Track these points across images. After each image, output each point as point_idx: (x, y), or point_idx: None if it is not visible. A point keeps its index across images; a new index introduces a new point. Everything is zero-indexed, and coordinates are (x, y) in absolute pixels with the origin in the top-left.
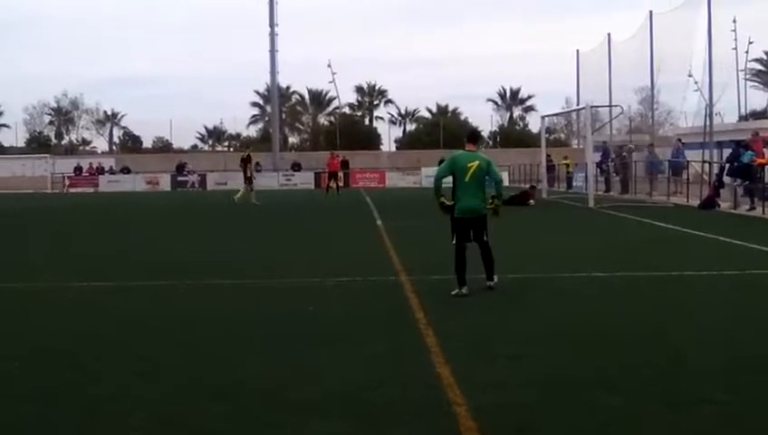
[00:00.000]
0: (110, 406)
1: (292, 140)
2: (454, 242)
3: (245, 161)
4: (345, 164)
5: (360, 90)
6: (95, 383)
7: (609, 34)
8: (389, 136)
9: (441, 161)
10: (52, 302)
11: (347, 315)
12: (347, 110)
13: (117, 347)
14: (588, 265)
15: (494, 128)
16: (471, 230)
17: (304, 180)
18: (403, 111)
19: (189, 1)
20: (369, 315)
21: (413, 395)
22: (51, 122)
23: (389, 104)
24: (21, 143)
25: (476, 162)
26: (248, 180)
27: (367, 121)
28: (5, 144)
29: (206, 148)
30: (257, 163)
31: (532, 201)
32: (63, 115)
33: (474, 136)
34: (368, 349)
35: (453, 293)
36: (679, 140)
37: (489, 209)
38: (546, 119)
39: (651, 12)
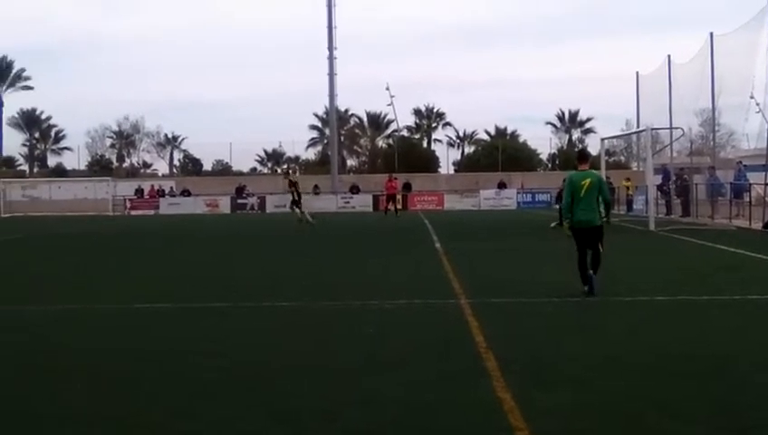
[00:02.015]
0: (168, 429)
1: (351, 162)
2: (576, 249)
3: (293, 184)
4: (408, 186)
5: (418, 112)
6: (154, 405)
7: (669, 56)
8: (448, 158)
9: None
10: (113, 323)
11: (405, 338)
12: (405, 132)
13: (176, 369)
14: (649, 288)
15: (553, 150)
16: (587, 239)
17: (363, 203)
18: (461, 134)
19: (250, 25)
20: (428, 339)
21: (473, 420)
22: (112, 145)
23: (448, 127)
24: (83, 166)
25: (589, 180)
26: (297, 202)
27: (425, 144)
28: (68, 167)
29: (266, 170)
30: (315, 186)
31: None
32: (125, 138)
33: (583, 156)
34: (426, 373)
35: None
36: (740, 162)
37: (603, 221)
38: (606, 141)
39: (712, 34)
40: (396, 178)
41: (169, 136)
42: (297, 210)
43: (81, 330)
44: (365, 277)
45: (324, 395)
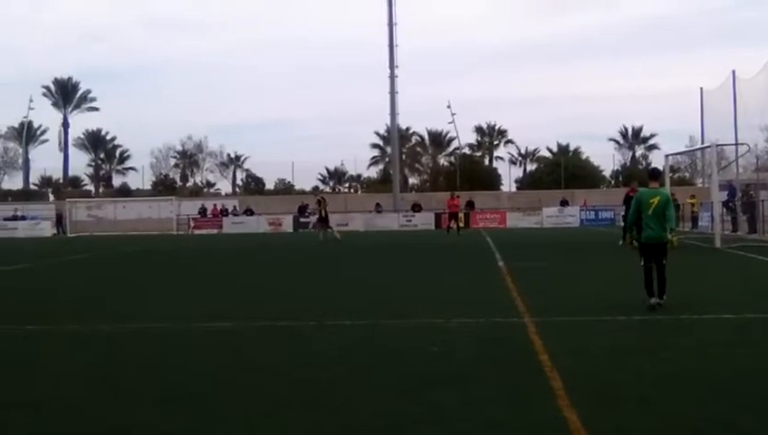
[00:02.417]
0: None
1: (413, 180)
2: (642, 263)
3: (321, 203)
4: (471, 204)
5: (479, 130)
6: (221, 422)
7: (733, 71)
8: (510, 176)
9: (626, 198)
10: (184, 343)
11: (470, 356)
12: (467, 150)
13: (246, 388)
14: (716, 306)
15: (616, 167)
16: (653, 254)
17: (424, 221)
18: (523, 151)
19: (311, 46)
20: (492, 357)
21: None
22: (176, 165)
23: (509, 144)
24: (147, 186)
25: (657, 198)
26: (324, 220)
27: (487, 162)
28: (132, 187)
29: (327, 189)
30: (377, 204)
31: None
32: (188, 158)
33: (654, 173)
34: (491, 391)
35: (646, 304)
36: None
37: (670, 240)
38: (670, 157)
39: None
40: (458, 196)
41: (232, 155)
42: (326, 230)
43: (156, 347)
44: (429, 295)
45: (388, 411)
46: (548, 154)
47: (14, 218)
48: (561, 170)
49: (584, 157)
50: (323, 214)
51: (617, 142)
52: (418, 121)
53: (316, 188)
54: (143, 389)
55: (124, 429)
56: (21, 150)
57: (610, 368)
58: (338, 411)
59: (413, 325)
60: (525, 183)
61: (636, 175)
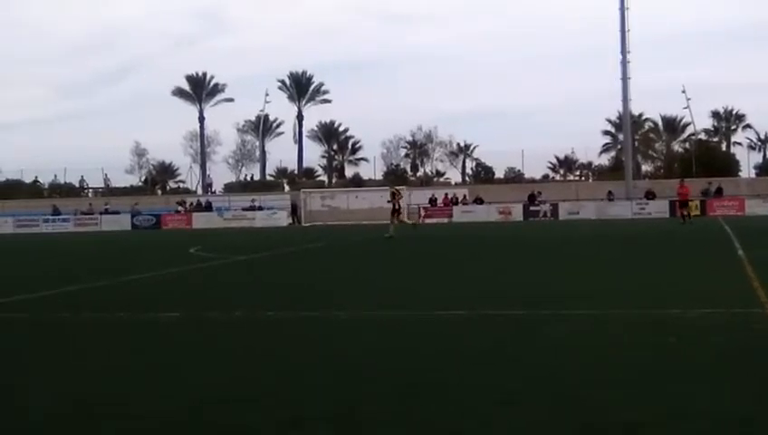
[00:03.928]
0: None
1: (646, 167)
2: None
3: (395, 195)
4: (720, 191)
5: (716, 115)
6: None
7: None
8: (748, 162)
9: None
10: (415, 330)
11: (711, 349)
12: (702, 136)
13: (476, 373)
14: None
15: None
16: None
17: (658, 209)
18: (762, 136)
19: (539, 33)
20: (735, 350)
21: None
22: (406, 155)
23: (748, 129)
24: (378, 176)
25: None
26: (397, 212)
27: (724, 147)
28: (365, 177)
29: (558, 177)
30: (609, 192)
31: None
32: (418, 148)
33: None
34: (738, 385)
35: None
36: None
37: None
38: None
39: None
40: (687, 184)
41: (462, 145)
42: (397, 221)
43: (392, 336)
44: (659, 284)
45: (629, 405)
46: None
47: (252, 209)
48: None
49: None
50: (398, 205)
51: None
52: (652, 107)
53: (546, 176)
54: (383, 377)
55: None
56: (258, 143)
57: None
58: (581, 407)
59: (646, 316)
60: (765, 169)
61: None
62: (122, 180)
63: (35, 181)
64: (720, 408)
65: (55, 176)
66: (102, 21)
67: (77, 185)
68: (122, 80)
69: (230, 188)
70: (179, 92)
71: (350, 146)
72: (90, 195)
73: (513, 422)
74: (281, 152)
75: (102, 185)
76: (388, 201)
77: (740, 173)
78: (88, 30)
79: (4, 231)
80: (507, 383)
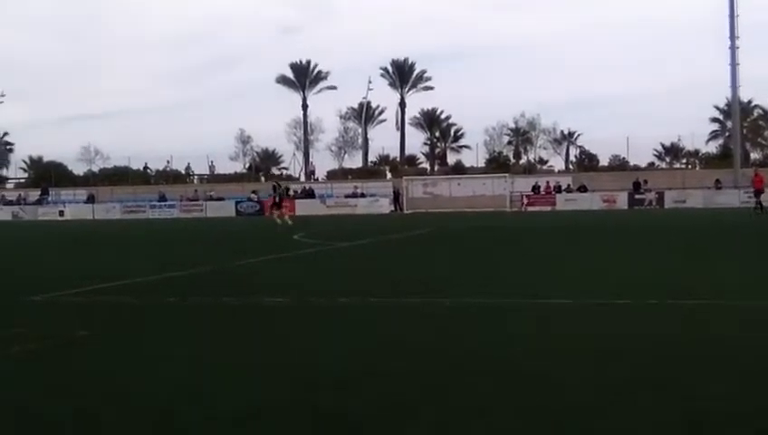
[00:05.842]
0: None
1: (754, 155)
2: None
3: (276, 189)
4: None
5: None
6: (559, 400)
7: None
8: None
9: None
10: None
11: None
12: None
13: (584, 364)
14: None
15: None
16: None
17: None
18: None
19: (645, 19)
20: None
21: None
22: (509, 143)
23: None
24: (481, 163)
25: None
26: (276, 206)
27: None
28: (467, 164)
29: (663, 165)
30: (717, 180)
31: None
32: (521, 135)
33: None
34: None
35: None
36: None
37: None
38: None
39: None
40: (761, 173)
41: (565, 132)
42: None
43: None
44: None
45: (738, 398)
46: None
47: (354, 196)
48: None
49: None
50: (277, 199)
51: None
52: (762, 94)
53: (651, 163)
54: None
55: (466, 406)
56: (360, 130)
57: None
58: (682, 396)
59: (749, 308)
60: None
61: None
62: (227, 167)
63: (145, 168)
64: None
65: (168, 162)
66: (205, 10)
67: (183, 172)
68: (227, 68)
69: (332, 175)
70: (283, 80)
71: (452, 133)
72: (195, 181)
73: (622, 412)
74: (383, 139)
75: (207, 172)
76: (270, 194)
77: None
78: (194, 18)
79: (112, 217)
80: (612, 374)
